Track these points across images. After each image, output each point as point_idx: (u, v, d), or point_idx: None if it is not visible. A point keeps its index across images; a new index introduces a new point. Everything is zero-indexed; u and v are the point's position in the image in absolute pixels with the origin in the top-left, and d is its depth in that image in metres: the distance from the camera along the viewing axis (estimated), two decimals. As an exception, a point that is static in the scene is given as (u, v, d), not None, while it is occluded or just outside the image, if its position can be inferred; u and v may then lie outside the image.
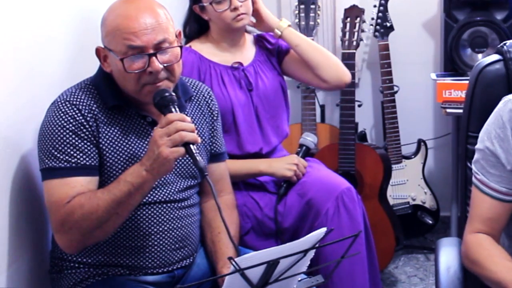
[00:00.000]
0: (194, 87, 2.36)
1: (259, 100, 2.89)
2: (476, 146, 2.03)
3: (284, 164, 2.84)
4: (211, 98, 2.39)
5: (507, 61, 2.15)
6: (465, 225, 2.15)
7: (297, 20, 3.84)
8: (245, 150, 2.85)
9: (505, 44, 2.18)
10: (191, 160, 1.98)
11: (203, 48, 2.88)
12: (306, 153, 2.93)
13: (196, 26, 2.94)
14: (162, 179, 2.16)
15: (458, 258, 2.11)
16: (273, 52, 2.98)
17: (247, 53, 2.95)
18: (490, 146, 1.97)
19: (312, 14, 3.80)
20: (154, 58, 2.04)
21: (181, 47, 2.12)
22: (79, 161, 2.04)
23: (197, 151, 1.95)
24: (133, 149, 2.12)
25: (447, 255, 2.14)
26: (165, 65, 2.06)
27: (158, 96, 2.02)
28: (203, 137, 2.31)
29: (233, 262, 1.55)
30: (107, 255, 2.15)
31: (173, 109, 2.00)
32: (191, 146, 1.94)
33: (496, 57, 2.19)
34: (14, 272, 2.10)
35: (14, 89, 2.10)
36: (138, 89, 2.07)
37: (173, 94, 2.03)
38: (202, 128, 2.31)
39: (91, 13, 2.17)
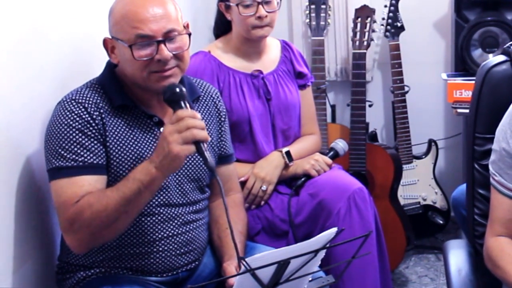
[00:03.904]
0: (201, 88, 2.34)
1: (277, 110, 2.89)
2: (492, 147, 2.02)
3: (304, 160, 2.89)
4: (218, 99, 2.38)
5: None
6: (472, 226, 2.15)
7: (307, 20, 3.84)
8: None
9: (511, 45, 2.17)
10: (201, 159, 1.97)
11: (222, 53, 2.87)
12: (334, 157, 2.98)
13: (222, 24, 2.93)
14: (167, 182, 2.15)
15: (468, 260, 2.11)
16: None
17: (268, 60, 2.93)
18: (506, 147, 1.96)
19: (322, 14, 3.80)
20: (162, 45, 2.03)
21: (189, 34, 2.10)
22: (86, 159, 2.03)
23: (207, 150, 1.93)
24: (140, 149, 2.11)
25: (457, 257, 2.14)
26: (174, 53, 2.05)
27: (169, 92, 1.99)
28: (212, 139, 2.29)
29: (244, 262, 1.55)
30: (111, 261, 2.14)
31: (183, 105, 1.97)
32: (201, 144, 1.92)
33: (502, 57, 2.17)
34: (23, 275, 2.10)
35: (21, 87, 2.10)
36: (145, 76, 2.05)
37: (184, 89, 1.99)
38: (210, 130, 2.30)
39: (102, 10, 2.17)
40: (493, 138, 2.03)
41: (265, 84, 2.87)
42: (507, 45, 2.19)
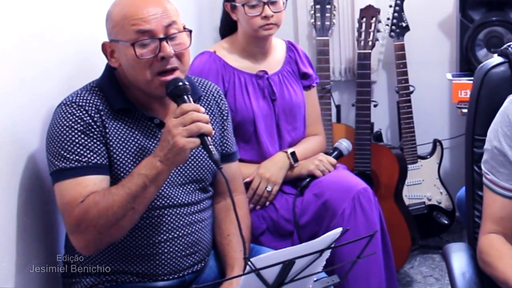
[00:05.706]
0: (203, 87, 2.33)
1: (282, 110, 2.90)
2: (485, 147, 2.03)
3: (308, 161, 2.89)
4: (220, 97, 2.36)
5: None
6: (472, 229, 2.14)
7: (312, 20, 3.84)
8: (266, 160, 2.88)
9: (509, 46, 2.16)
10: (204, 157, 1.96)
11: (227, 54, 2.88)
12: (338, 157, 2.99)
13: (228, 24, 2.93)
14: (170, 183, 2.14)
15: (471, 263, 2.10)
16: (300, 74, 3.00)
17: (273, 60, 2.93)
18: (498, 145, 1.97)
19: (327, 14, 3.80)
20: (165, 42, 2.01)
21: (190, 31, 2.10)
22: (89, 160, 2.02)
23: (211, 143, 1.94)
24: (141, 150, 2.11)
25: (459, 260, 2.12)
26: (175, 50, 2.04)
27: (172, 85, 1.99)
28: (214, 138, 2.28)
29: (249, 263, 1.56)
30: (117, 263, 2.13)
31: (187, 99, 1.98)
32: (206, 138, 1.92)
33: (500, 59, 2.16)
34: (27, 275, 2.10)
35: (26, 87, 2.11)
36: (149, 80, 2.03)
37: (187, 83, 2.00)
38: (213, 129, 2.29)
39: (106, 12, 2.18)
40: None
41: (270, 85, 2.87)
42: (505, 46, 2.18)
